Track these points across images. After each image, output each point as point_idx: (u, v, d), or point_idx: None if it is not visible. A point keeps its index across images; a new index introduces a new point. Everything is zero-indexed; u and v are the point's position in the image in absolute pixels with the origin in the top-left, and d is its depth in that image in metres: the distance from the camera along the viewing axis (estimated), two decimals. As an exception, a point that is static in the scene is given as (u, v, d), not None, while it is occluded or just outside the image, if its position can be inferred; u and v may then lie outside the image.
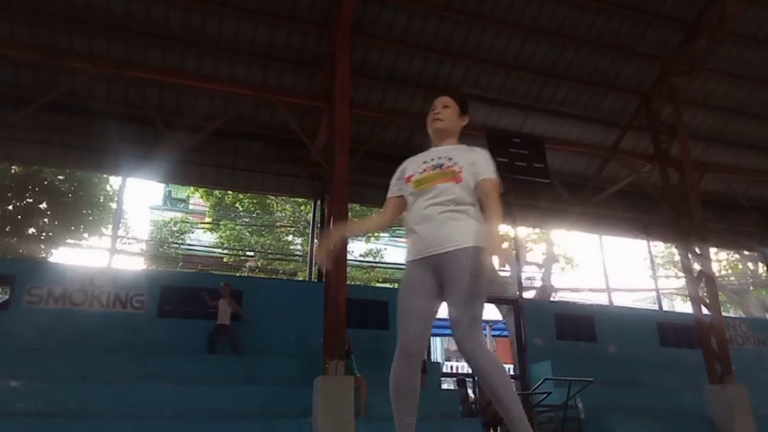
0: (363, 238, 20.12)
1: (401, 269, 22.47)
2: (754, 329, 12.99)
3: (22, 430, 5.77)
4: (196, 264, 19.72)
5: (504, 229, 14.61)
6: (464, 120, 2.76)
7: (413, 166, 2.66)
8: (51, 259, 14.14)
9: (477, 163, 2.54)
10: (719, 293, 11.17)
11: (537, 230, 19.28)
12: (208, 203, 19.56)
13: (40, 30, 8.50)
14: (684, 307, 21.89)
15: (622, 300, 20.24)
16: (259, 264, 18.68)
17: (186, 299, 8.94)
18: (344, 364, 6.36)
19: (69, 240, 14.41)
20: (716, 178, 12.29)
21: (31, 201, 13.55)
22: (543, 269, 18.69)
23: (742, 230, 13.57)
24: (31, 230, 13.61)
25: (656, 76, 10.39)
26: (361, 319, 9.18)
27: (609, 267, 17.01)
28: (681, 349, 11.50)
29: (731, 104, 11.33)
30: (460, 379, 10.60)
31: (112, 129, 9.34)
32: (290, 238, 19.67)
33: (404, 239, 24.32)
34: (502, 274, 15.59)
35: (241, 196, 18.13)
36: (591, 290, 19.58)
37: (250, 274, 17.57)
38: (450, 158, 2.56)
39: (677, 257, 14.85)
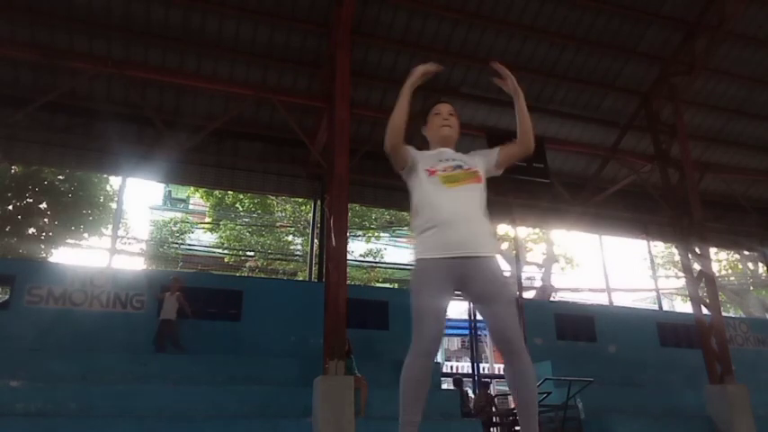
0: (363, 238, 20.12)
1: (401, 269, 22.50)
2: (754, 329, 12.98)
3: (22, 430, 5.76)
4: (196, 264, 19.73)
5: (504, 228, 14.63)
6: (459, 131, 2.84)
7: (429, 161, 2.63)
8: (51, 259, 14.14)
9: (483, 157, 2.67)
10: (719, 293, 11.17)
11: (537, 230, 19.29)
12: (208, 203, 19.57)
13: (40, 30, 8.50)
14: (684, 307, 21.89)
15: (622, 300, 20.26)
16: (259, 264, 18.68)
17: (186, 299, 8.92)
18: (344, 364, 6.36)
19: (69, 240, 14.41)
20: (716, 178, 12.29)
21: (31, 201, 13.56)
22: (543, 269, 18.71)
23: (742, 230, 13.57)
24: (31, 230, 13.62)
25: (656, 76, 10.39)
26: (361, 319, 9.17)
27: (609, 267, 17.01)
28: (681, 349, 11.49)
29: (731, 104, 11.33)
30: (457, 379, 10.60)
31: (112, 129, 9.35)
32: (290, 238, 19.68)
33: (403, 240, 24.35)
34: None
35: (241, 196, 18.14)
36: (591, 290, 19.60)
37: (250, 274, 17.57)
38: (464, 161, 2.61)
39: (677, 257, 14.84)
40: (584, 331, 11.26)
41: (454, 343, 22.29)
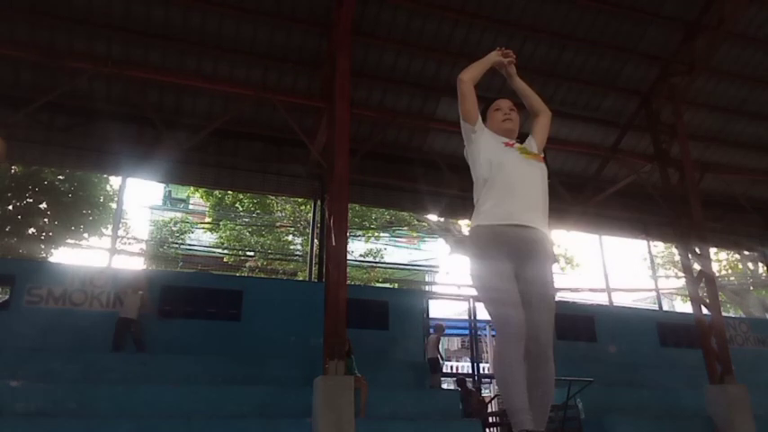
0: (363, 238, 20.13)
1: (401, 269, 22.52)
2: (754, 329, 12.99)
3: (22, 430, 5.76)
4: (196, 264, 19.73)
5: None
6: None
7: (500, 138, 2.71)
8: (51, 259, 14.14)
9: (534, 141, 2.80)
10: (719, 293, 11.16)
11: (537, 230, 19.24)
12: (208, 203, 19.57)
13: (40, 30, 8.50)
14: (684, 307, 21.90)
15: (622, 300, 20.23)
16: (259, 264, 18.68)
17: (186, 299, 8.94)
18: (345, 364, 6.36)
19: (69, 240, 14.41)
20: (716, 178, 12.29)
21: (31, 201, 13.56)
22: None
23: (742, 230, 13.57)
24: (31, 230, 13.62)
25: (656, 76, 10.39)
26: (361, 319, 9.17)
27: (609, 267, 16.99)
28: (681, 349, 11.49)
29: (731, 104, 11.32)
30: (460, 379, 10.60)
31: (112, 129, 9.35)
32: (290, 238, 19.68)
33: (403, 240, 24.36)
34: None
35: (241, 196, 18.14)
36: (591, 290, 19.57)
37: (250, 274, 17.57)
38: (526, 146, 2.71)
39: (677, 257, 14.84)
40: (584, 331, 11.26)
41: (454, 343, 22.29)
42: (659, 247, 21.48)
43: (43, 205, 13.80)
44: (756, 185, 13.10)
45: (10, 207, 13.26)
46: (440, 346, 10.45)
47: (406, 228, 21.53)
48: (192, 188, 19.52)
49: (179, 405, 6.57)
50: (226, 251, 19.02)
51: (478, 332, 13.17)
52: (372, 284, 18.45)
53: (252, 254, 18.80)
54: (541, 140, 2.78)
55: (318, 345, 7.10)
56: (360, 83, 9.61)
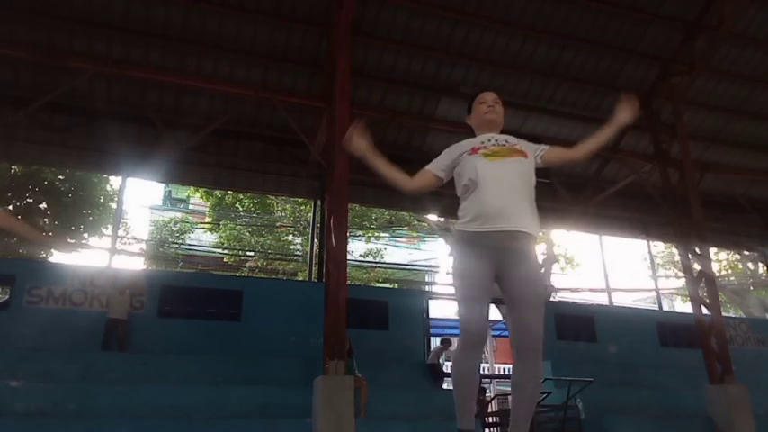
0: (363, 238, 20.12)
1: (401, 269, 22.52)
2: (754, 329, 12.99)
3: (22, 430, 5.76)
4: (196, 264, 19.73)
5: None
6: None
7: (466, 146, 2.62)
8: (51, 259, 14.14)
9: (531, 144, 2.68)
10: (719, 293, 11.17)
11: (537, 230, 19.23)
12: (208, 203, 19.56)
13: (40, 30, 8.50)
14: (684, 307, 21.89)
15: (622, 300, 20.24)
16: (259, 264, 18.68)
17: (186, 299, 8.94)
18: (345, 364, 6.36)
19: (69, 240, 14.41)
20: (716, 178, 12.29)
21: (31, 201, 13.57)
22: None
23: (742, 230, 13.57)
24: (32, 230, 13.58)
25: (656, 76, 10.39)
26: (361, 319, 9.17)
27: (609, 267, 17.00)
28: (681, 349, 11.49)
29: (731, 104, 11.32)
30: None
31: (112, 129, 9.35)
32: (290, 238, 19.68)
33: (403, 239, 24.36)
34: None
35: (241, 196, 18.14)
36: (591, 290, 19.57)
37: (250, 274, 17.56)
38: (506, 140, 2.63)
39: (677, 257, 14.84)
40: (585, 331, 11.26)
41: (454, 343, 22.29)
42: (659, 247, 21.48)
43: (43, 205, 13.81)
44: (756, 185, 13.10)
45: (10, 207, 13.26)
46: (441, 358, 10.49)
47: (406, 228, 21.53)
48: (192, 188, 19.52)
49: (179, 405, 6.58)
50: (226, 251, 19.02)
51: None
52: (372, 284, 18.44)
53: (252, 254, 18.80)
54: (546, 157, 2.65)
55: (318, 345, 7.10)
56: (360, 83, 9.61)
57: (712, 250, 16.00)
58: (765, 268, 18.02)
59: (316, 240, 11.06)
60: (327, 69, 8.49)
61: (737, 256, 21.56)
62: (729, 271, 22.83)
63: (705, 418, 8.57)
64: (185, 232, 20.59)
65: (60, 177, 14.01)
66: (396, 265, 21.66)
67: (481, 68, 9.94)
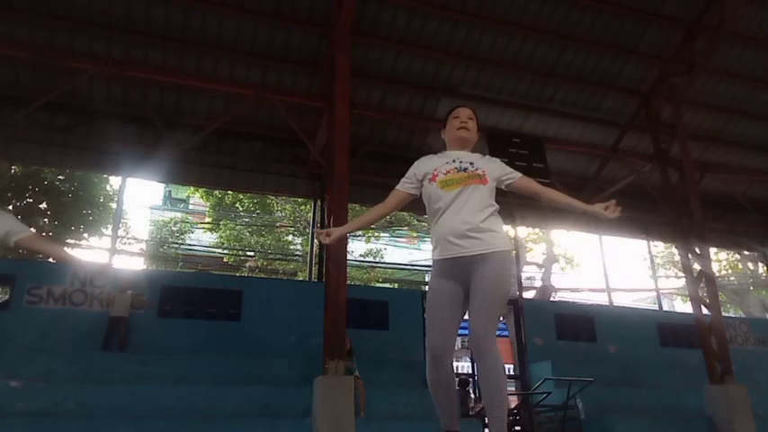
0: (363, 238, 20.12)
1: (401, 269, 22.51)
2: (754, 329, 12.98)
3: (22, 430, 5.76)
4: (196, 264, 19.73)
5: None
6: (478, 135, 2.95)
7: (431, 166, 2.72)
8: (51, 259, 14.13)
9: (501, 167, 2.75)
10: (719, 293, 11.17)
11: (537, 230, 19.28)
12: (208, 203, 19.56)
13: (40, 30, 8.50)
14: (684, 307, 21.90)
15: (622, 300, 20.25)
16: (259, 264, 18.68)
17: (186, 299, 8.93)
18: (345, 364, 6.36)
19: (69, 240, 14.41)
20: (716, 178, 12.29)
21: (31, 201, 13.56)
22: (543, 269, 18.70)
23: (742, 230, 13.57)
24: (32, 230, 13.59)
25: (656, 76, 10.39)
26: (361, 319, 9.17)
27: (609, 267, 17.00)
28: (681, 349, 11.49)
29: (731, 104, 11.32)
30: (463, 380, 10.60)
31: (112, 129, 9.35)
32: (290, 238, 19.67)
33: (403, 239, 24.36)
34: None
35: (241, 196, 18.13)
36: (591, 290, 19.58)
37: (250, 274, 17.56)
38: (471, 163, 2.69)
39: (677, 257, 14.84)
40: (584, 331, 11.25)
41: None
42: (659, 247, 21.48)
43: (43, 205, 13.80)
44: (756, 185, 13.10)
45: (10, 207, 13.25)
46: None
47: (406, 228, 21.53)
48: (191, 188, 19.52)
49: (179, 405, 6.58)
50: (226, 251, 19.01)
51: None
52: (372, 284, 18.44)
53: (252, 254, 18.80)
54: (515, 185, 2.73)
55: (318, 345, 7.10)
56: (360, 83, 9.61)
57: (712, 250, 15.99)
58: (765, 268, 18.02)
59: (316, 240, 11.06)
60: (327, 69, 8.49)
61: (737, 256, 21.57)
62: (729, 271, 22.84)
63: (705, 418, 8.57)
64: (185, 232, 20.58)
65: (60, 177, 14.00)
66: (396, 265, 21.65)
67: (481, 68, 9.94)
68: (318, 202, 10.94)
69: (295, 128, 8.93)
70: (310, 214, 12.05)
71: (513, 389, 11.04)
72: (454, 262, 2.51)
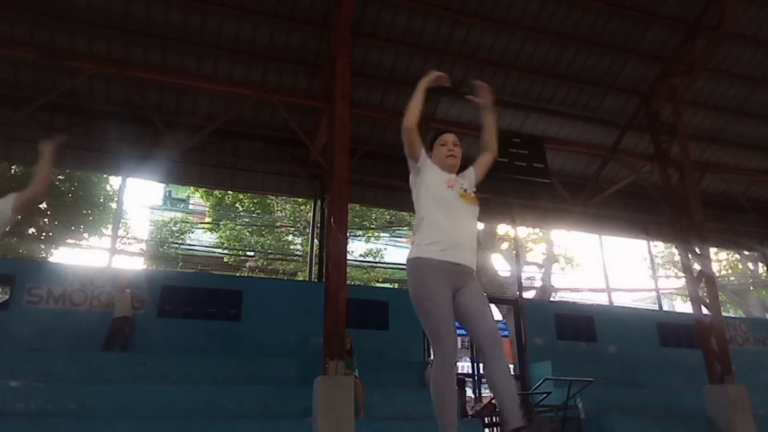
0: (363, 238, 20.12)
1: (401, 269, 22.48)
2: (754, 329, 12.99)
3: (22, 430, 5.76)
4: (196, 264, 19.74)
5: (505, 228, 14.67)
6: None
7: (442, 174, 2.92)
8: (51, 259, 14.14)
9: (471, 179, 3.05)
10: (719, 293, 11.17)
11: (537, 230, 19.28)
12: (208, 203, 19.56)
13: (40, 30, 8.50)
14: (684, 307, 21.90)
15: (622, 300, 20.25)
16: (259, 264, 18.68)
17: (186, 299, 8.94)
18: (345, 364, 6.36)
19: (69, 240, 14.42)
20: (716, 178, 12.29)
21: (31, 201, 13.53)
22: (543, 269, 18.69)
23: (742, 230, 13.57)
24: (31, 230, 13.61)
25: (656, 76, 10.39)
26: (361, 319, 9.17)
27: (609, 267, 17.00)
28: (681, 349, 11.49)
29: (731, 104, 11.32)
30: (460, 379, 10.61)
31: (112, 129, 9.36)
32: (290, 238, 19.68)
33: (404, 240, 24.34)
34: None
35: (241, 196, 18.13)
36: (591, 290, 19.60)
37: (250, 274, 17.57)
38: (469, 185, 2.97)
39: (677, 257, 14.85)
40: (584, 331, 11.26)
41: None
42: (659, 247, 21.48)
43: (43, 205, 13.80)
44: (756, 185, 13.10)
45: (10, 207, 13.24)
46: None
47: (406, 228, 21.52)
48: (191, 188, 19.52)
49: (179, 405, 6.58)
50: (226, 251, 19.01)
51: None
52: (372, 284, 18.43)
53: (252, 254, 18.80)
54: (480, 175, 3.05)
55: (318, 345, 7.11)
56: (360, 83, 9.61)
57: (712, 250, 15.99)
58: (765, 268, 18.03)
59: (316, 240, 11.06)
60: (327, 69, 8.49)
61: (737, 256, 21.57)
62: (729, 271, 22.84)
63: (705, 418, 8.57)
64: (185, 232, 20.59)
65: (60, 177, 14.00)
66: (396, 265, 21.64)
67: (481, 68, 9.93)
68: (318, 202, 10.94)
69: (295, 128, 8.93)
70: (310, 214, 12.05)
71: (513, 389, 11.03)
72: (458, 268, 2.65)
